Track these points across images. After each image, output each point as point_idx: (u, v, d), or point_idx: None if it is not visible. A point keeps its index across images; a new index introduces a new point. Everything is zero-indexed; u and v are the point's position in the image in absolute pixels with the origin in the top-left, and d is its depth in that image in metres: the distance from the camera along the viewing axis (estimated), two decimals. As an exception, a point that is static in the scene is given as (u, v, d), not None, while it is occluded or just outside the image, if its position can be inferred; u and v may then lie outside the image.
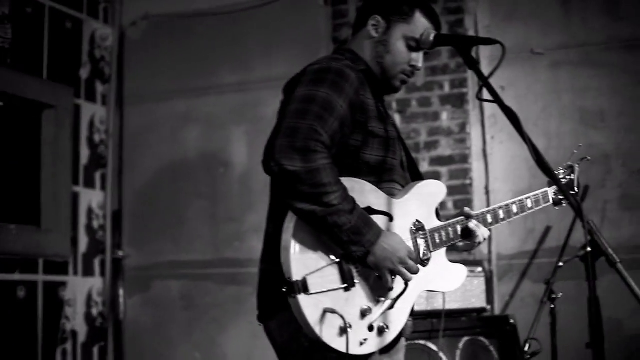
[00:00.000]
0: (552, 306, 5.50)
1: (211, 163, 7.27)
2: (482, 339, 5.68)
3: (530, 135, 2.83)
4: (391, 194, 3.20)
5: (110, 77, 7.49)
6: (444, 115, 6.65)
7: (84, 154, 7.18)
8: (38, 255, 6.58)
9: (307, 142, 2.83)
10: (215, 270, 7.13)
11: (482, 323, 5.75)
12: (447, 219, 3.41)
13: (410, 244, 3.16)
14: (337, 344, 2.89)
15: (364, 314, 2.97)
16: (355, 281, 2.97)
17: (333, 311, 2.87)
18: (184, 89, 7.40)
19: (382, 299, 3.04)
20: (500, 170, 6.48)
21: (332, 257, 2.94)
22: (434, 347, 5.42)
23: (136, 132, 7.53)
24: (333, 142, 2.94)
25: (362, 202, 3.00)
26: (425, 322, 5.44)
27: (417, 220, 3.23)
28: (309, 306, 2.85)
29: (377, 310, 3.02)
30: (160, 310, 7.29)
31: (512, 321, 5.72)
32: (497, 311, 6.34)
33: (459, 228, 3.39)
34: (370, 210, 3.05)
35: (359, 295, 2.99)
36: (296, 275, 2.85)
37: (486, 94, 3.04)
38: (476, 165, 6.56)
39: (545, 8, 6.55)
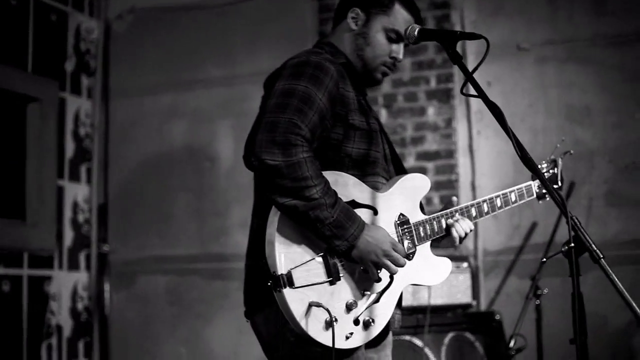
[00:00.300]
0: (538, 302, 5.52)
1: (197, 157, 7.25)
2: (467, 334, 5.70)
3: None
4: (375, 188, 3.19)
5: (95, 71, 7.46)
6: (430, 111, 6.65)
7: (69, 147, 7.15)
8: (23, 249, 6.55)
9: (287, 135, 2.84)
10: (201, 265, 7.12)
11: (467, 319, 5.76)
12: (432, 213, 3.40)
13: (394, 237, 3.16)
14: (323, 338, 2.90)
15: (349, 307, 2.97)
16: (341, 275, 2.98)
17: (319, 305, 2.87)
18: (170, 82, 7.38)
19: (368, 292, 3.04)
20: (487, 166, 6.49)
21: (317, 250, 2.95)
22: (419, 343, 5.42)
23: (122, 126, 7.51)
24: (313, 135, 2.96)
25: (345, 196, 3.01)
26: (411, 317, 5.44)
27: (402, 214, 3.23)
28: (295, 300, 2.86)
29: (363, 304, 3.02)
30: (146, 305, 7.27)
31: (497, 317, 5.74)
32: (483, 307, 6.34)
33: (444, 222, 3.39)
34: (355, 204, 3.05)
35: (345, 289, 2.99)
36: (281, 269, 2.85)
37: (471, 89, 3.02)
38: (462, 161, 6.56)
39: (531, 4, 6.56)
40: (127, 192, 7.44)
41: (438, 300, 5.68)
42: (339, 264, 2.98)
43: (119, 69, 7.57)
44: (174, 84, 7.37)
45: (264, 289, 2.94)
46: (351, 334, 2.97)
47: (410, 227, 3.25)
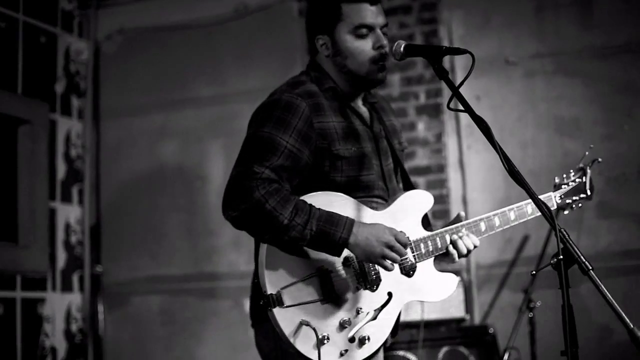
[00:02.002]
0: (531, 315, 5.53)
1: (188, 177, 7.25)
2: (461, 348, 5.69)
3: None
4: (373, 209, 3.20)
5: (85, 92, 7.46)
6: (420, 126, 6.66)
7: (61, 169, 7.14)
8: (16, 272, 6.52)
9: (243, 183, 2.96)
10: (194, 284, 7.11)
11: (461, 333, 5.76)
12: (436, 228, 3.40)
13: None
14: (315, 355, 2.93)
15: (342, 325, 2.99)
16: (335, 294, 3.00)
17: (307, 324, 2.89)
18: (160, 102, 7.38)
19: (363, 310, 3.04)
20: (477, 180, 6.50)
21: (310, 270, 2.99)
22: (413, 358, 5.43)
23: (113, 147, 7.50)
24: (279, 174, 3.03)
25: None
26: (404, 332, 5.44)
27: (401, 232, 3.19)
28: (284, 319, 2.91)
29: (358, 322, 3.02)
30: (139, 326, 7.25)
31: (491, 330, 5.73)
32: (477, 321, 6.34)
33: (448, 238, 3.36)
34: None
35: (338, 308, 3.01)
36: (270, 289, 2.91)
37: (458, 104, 3.03)
38: (453, 175, 6.57)
39: (518, 18, 6.58)
40: (119, 213, 7.44)
41: (431, 315, 5.69)
42: (334, 283, 3.01)
43: (109, 89, 7.57)
44: (164, 104, 7.37)
45: (261, 306, 2.99)
46: (346, 351, 3.00)
47: (410, 244, 3.24)
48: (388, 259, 3.03)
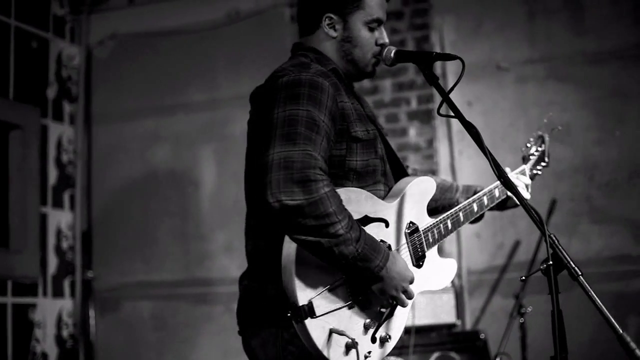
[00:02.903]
0: (522, 320, 5.53)
1: (180, 182, 7.25)
2: (452, 354, 5.69)
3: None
4: (379, 197, 3.14)
5: (77, 97, 7.46)
6: (412, 131, 6.67)
7: (52, 174, 7.14)
8: (6, 277, 6.52)
9: (305, 171, 2.71)
10: (186, 289, 7.10)
11: (452, 338, 5.76)
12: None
13: (406, 248, 3.13)
14: None
15: (367, 327, 2.93)
16: (361, 297, 2.93)
17: (341, 333, 2.81)
18: (152, 107, 7.39)
19: (384, 310, 2.99)
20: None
21: (336, 276, 2.87)
22: (404, 363, 5.41)
23: (104, 152, 7.50)
24: (326, 162, 2.85)
25: (359, 212, 2.95)
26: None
27: (411, 222, 3.18)
28: (316, 329, 2.78)
29: (378, 322, 2.98)
30: (131, 331, 7.24)
31: (482, 336, 5.73)
32: (469, 326, 6.35)
33: (449, 223, 3.37)
34: (367, 219, 2.99)
35: (362, 311, 2.94)
36: (302, 300, 2.76)
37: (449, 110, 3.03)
38: (445, 181, 6.58)
39: (510, 23, 6.60)
40: (110, 218, 7.43)
41: (422, 320, 5.69)
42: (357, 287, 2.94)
43: (101, 94, 7.57)
44: (156, 109, 7.37)
45: (261, 311, 2.93)
46: (369, 352, 2.93)
47: (420, 235, 3.21)
48: (397, 301, 2.98)
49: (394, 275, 2.90)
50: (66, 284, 7.18)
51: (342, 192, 2.87)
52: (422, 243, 3.21)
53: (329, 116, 2.92)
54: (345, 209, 2.79)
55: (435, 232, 3.29)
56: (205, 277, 7.05)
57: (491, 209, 3.69)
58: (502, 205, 3.77)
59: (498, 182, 3.54)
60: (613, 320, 2.59)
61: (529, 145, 3.92)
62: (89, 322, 7.19)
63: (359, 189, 3.02)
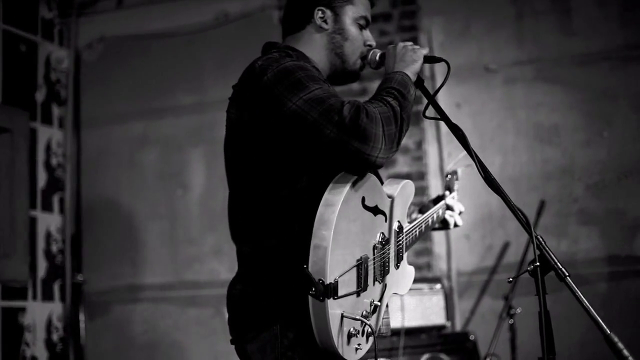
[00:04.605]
0: (511, 321, 5.55)
1: (169, 185, 7.25)
2: (442, 355, 5.69)
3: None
4: None
5: (66, 100, 7.45)
6: (401, 133, 6.67)
7: (41, 177, 7.13)
8: (-5, 281, 6.52)
9: (357, 117, 2.76)
10: (175, 292, 7.10)
11: (442, 340, 5.76)
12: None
13: (394, 247, 3.11)
14: (344, 350, 2.79)
15: (365, 317, 2.87)
16: (366, 283, 2.87)
17: (353, 317, 2.78)
18: (141, 110, 7.38)
19: (376, 302, 2.96)
20: (444, 186, 6.52)
21: (354, 257, 2.83)
22: (393, 365, 5.42)
23: (93, 155, 7.49)
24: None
25: (373, 200, 2.93)
26: (385, 339, 5.43)
27: (399, 222, 3.17)
28: (333, 309, 2.72)
29: (369, 314, 2.93)
30: (121, 334, 7.23)
31: (471, 337, 5.74)
32: (458, 328, 6.36)
33: (423, 226, 3.42)
34: (376, 209, 2.97)
35: (364, 299, 2.89)
36: (330, 278, 2.68)
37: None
38: (434, 183, 6.59)
39: (498, 25, 6.62)
40: (100, 221, 7.42)
41: (412, 322, 5.69)
42: (368, 271, 2.88)
43: (90, 98, 7.56)
44: (144, 112, 7.37)
45: (258, 315, 2.87)
46: (359, 345, 2.87)
47: (403, 237, 3.20)
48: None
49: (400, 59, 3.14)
50: (56, 288, 7.17)
51: (367, 177, 2.90)
52: (403, 245, 3.20)
53: (332, 90, 2.92)
54: (375, 100, 2.95)
55: (412, 236, 3.31)
56: (194, 280, 7.05)
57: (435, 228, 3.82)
58: (445, 223, 3.85)
59: (443, 203, 3.77)
60: (600, 321, 2.60)
61: (447, 177, 3.98)
62: (79, 326, 7.17)
63: (375, 177, 3.00)
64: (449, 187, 3.93)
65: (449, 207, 3.84)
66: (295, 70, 2.92)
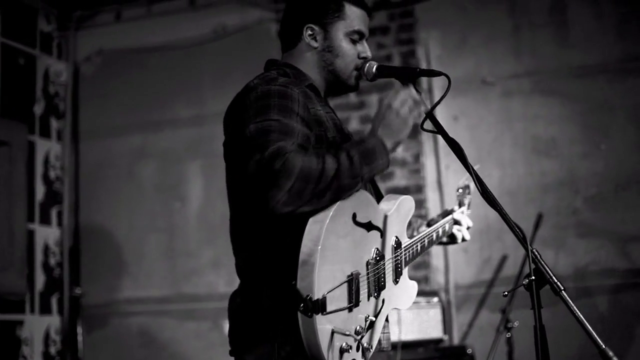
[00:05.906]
0: (509, 335, 5.54)
1: (167, 198, 7.25)
2: (440, 369, 5.69)
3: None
4: None
5: (64, 113, 7.46)
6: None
7: (40, 190, 7.13)
8: (-7, 294, 6.51)
9: (273, 161, 2.65)
10: (173, 305, 7.09)
11: (439, 353, 5.75)
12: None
13: (392, 262, 3.10)
14: None
15: (358, 333, 2.84)
16: (359, 299, 2.86)
17: (343, 333, 2.75)
18: (139, 123, 7.39)
19: (371, 318, 2.95)
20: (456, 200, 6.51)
21: (345, 273, 2.81)
22: (391, 379, 5.41)
23: (92, 168, 7.50)
24: (302, 141, 2.82)
25: (366, 216, 2.92)
26: (382, 353, 5.42)
27: (397, 237, 3.16)
28: (323, 326, 2.71)
29: (364, 329, 2.93)
30: (119, 348, 7.22)
31: (469, 351, 5.73)
32: (456, 341, 6.35)
33: (426, 241, 3.40)
34: (370, 225, 2.95)
35: (357, 314, 2.88)
36: (318, 294, 2.67)
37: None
38: (431, 196, 6.59)
39: (495, 38, 6.63)
40: (98, 234, 7.42)
41: (409, 335, 5.68)
42: (360, 287, 2.86)
43: (88, 111, 7.57)
44: (143, 125, 7.38)
45: (256, 326, 2.88)
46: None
47: (402, 252, 3.18)
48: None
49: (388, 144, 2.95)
50: (54, 301, 7.17)
51: (359, 193, 2.87)
52: (402, 260, 3.19)
53: (301, 122, 2.88)
54: (318, 153, 2.76)
55: (411, 251, 3.29)
56: (192, 293, 7.04)
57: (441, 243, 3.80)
58: (453, 238, 3.85)
59: (450, 217, 3.76)
60: (595, 335, 2.60)
61: (458, 192, 3.98)
62: (76, 339, 7.16)
63: (366, 192, 2.98)
64: (460, 202, 3.93)
65: (456, 222, 3.84)
66: (273, 96, 2.91)
